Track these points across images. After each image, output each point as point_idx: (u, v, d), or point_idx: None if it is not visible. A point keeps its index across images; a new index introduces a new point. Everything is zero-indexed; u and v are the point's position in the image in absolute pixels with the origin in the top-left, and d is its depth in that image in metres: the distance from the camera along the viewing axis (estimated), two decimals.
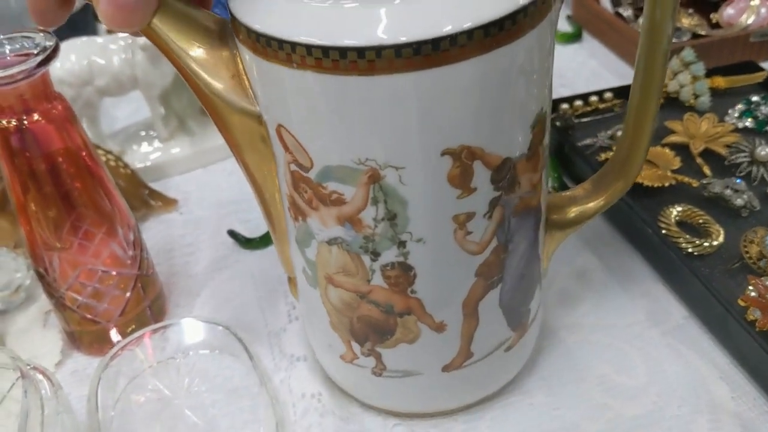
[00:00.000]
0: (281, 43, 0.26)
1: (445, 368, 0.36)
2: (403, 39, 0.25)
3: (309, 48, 0.26)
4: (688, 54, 0.60)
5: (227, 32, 0.30)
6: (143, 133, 0.63)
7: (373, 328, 0.35)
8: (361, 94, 0.27)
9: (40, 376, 0.37)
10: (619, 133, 0.55)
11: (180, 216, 0.57)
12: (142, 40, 0.54)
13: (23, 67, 0.36)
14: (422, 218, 0.30)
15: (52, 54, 0.37)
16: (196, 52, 0.30)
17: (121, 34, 0.57)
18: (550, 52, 0.30)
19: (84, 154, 0.41)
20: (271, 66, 0.27)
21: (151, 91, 0.58)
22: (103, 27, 0.81)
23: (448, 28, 0.25)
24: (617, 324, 0.44)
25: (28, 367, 0.36)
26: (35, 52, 0.37)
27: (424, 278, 0.32)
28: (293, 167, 0.30)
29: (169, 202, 0.57)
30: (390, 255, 0.31)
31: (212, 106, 0.31)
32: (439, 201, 0.30)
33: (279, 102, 0.29)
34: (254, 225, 0.55)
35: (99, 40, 0.56)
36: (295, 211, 0.33)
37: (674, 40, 0.66)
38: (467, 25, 0.25)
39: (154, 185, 0.59)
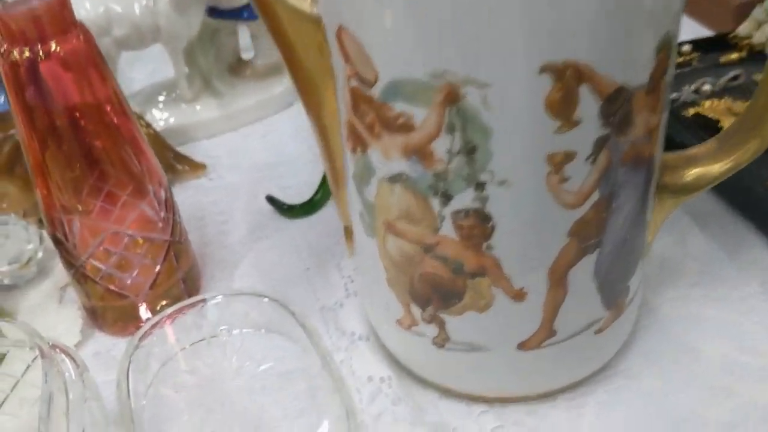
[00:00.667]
0: None
1: (521, 346, 0.31)
2: None
3: None
4: None
5: None
6: (164, 94, 0.56)
7: (437, 290, 0.29)
8: None
9: (62, 356, 0.31)
10: (705, 87, 0.49)
11: (209, 182, 0.51)
12: None
13: None
14: (508, 154, 0.24)
15: None
16: None
17: None
18: None
19: (112, 102, 0.35)
20: None
21: (176, 43, 0.52)
22: None
23: None
24: (729, 297, 0.38)
25: (49, 346, 0.29)
26: None
27: (504, 232, 0.27)
28: (354, 83, 0.25)
29: (197, 167, 0.51)
30: (464, 199, 0.26)
31: (264, 7, 0.26)
32: (532, 133, 0.24)
33: None
34: (294, 192, 0.48)
35: None
36: (354, 141, 0.27)
37: None
38: None
39: (180, 149, 0.53)
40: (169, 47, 0.52)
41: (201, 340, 0.38)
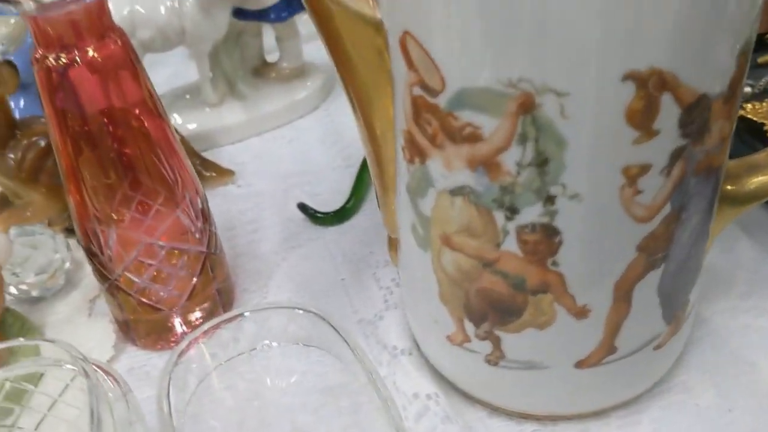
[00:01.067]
0: None
1: (579, 364, 0.29)
2: None
3: None
4: None
5: None
6: (188, 97, 0.55)
7: (494, 306, 0.28)
8: None
9: (102, 375, 0.30)
10: (746, 89, 0.48)
11: (237, 189, 0.49)
12: None
13: None
14: (583, 166, 0.23)
15: None
16: None
17: None
18: None
19: (147, 106, 0.34)
20: None
21: (201, 46, 0.50)
22: None
23: None
24: None
25: (91, 365, 0.28)
26: None
27: (572, 247, 0.25)
28: (416, 91, 0.24)
29: (224, 173, 0.49)
30: (532, 213, 0.25)
31: (319, 10, 0.25)
32: (609, 145, 0.23)
33: (408, 2, 0.22)
34: (324, 199, 0.47)
35: None
36: (412, 151, 0.26)
37: None
38: None
39: (205, 155, 0.52)
40: (194, 50, 0.51)
41: (239, 355, 0.36)
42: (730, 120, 0.26)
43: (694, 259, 0.30)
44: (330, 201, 0.47)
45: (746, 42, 0.24)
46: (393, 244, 0.33)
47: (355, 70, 0.27)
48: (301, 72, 0.56)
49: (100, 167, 0.33)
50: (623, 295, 0.27)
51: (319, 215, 0.45)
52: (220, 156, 0.52)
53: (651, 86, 0.22)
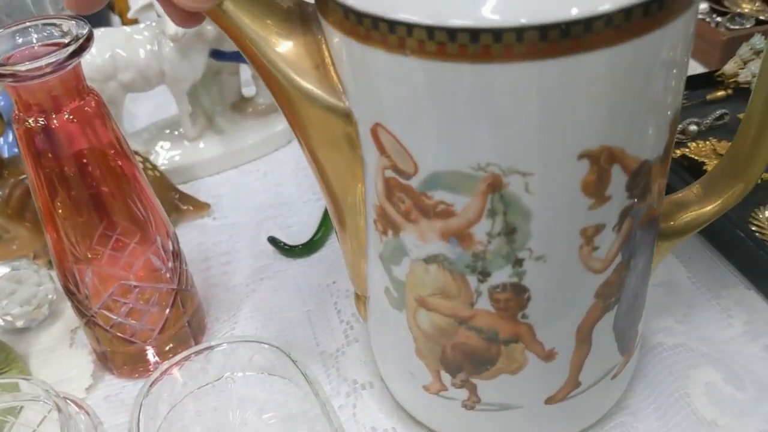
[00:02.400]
0: (390, 24, 0.22)
1: (549, 400, 0.32)
2: (522, 21, 0.21)
3: (430, 30, 0.21)
4: (758, 41, 0.55)
5: (309, 14, 0.26)
6: (168, 132, 0.58)
7: (469, 358, 0.30)
8: (483, 85, 0.22)
9: (76, 408, 0.33)
10: (692, 128, 0.51)
11: (213, 221, 0.52)
12: (171, 29, 0.49)
13: (53, 58, 0.31)
14: (546, 232, 0.26)
15: (85, 43, 0.32)
16: (275, 38, 0.25)
17: (144, 24, 0.52)
18: (692, 39, 0.26)
19: (117, 152, 0.36)
20: (370, 51, 0.23)
21: (180, 86, 0.53)
22: (117, 19, 0.77)
23: (576, 12, 0.20)
24: (713, 338, 0.40)
25: (65, 400, 0.31)
26: (66, 41, 0.32)
27: (539, 301, 0.28)
28: (389, 173, 0.26)
29: (201, 206, 0.52)
30: (502, 275, 0.27)
31: (290, 102, 0.26)
32: (569, 212, 0.26)
33: (378, 96, 0.24)
34: (295, 231, 0.50)
35: (125, 29, 0.52)
36: (385, 225, 0.28)
37: (737, 27, 0.62)
38: (604, 8, 0.21)
39: (183, 187, 0.54)
40: (173, 89, 0.54)
41: (207, 384, 0.39)
42: (665, 176, 0.29)
43: (641, 296, 0.33)
44: (301, 233, 0.50)
45: (676, 111, 0.27)
46: (361, 299, 0.35)
47: (324, 154, 0.28)
48: (276, 107, 0.58)
49: (74, 208, 0.36)
50: (584, 336, 0.30)
51: (288, 248, 0.48)
52: (199, 188, 0.55)
53: (602, 161, 0.24)
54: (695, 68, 0.63)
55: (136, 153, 0.50)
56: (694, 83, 0.56)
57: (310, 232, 0.49)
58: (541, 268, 0.27)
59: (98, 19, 0.75)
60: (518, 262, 0.27)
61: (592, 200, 0.25)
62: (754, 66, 0.55)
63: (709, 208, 0.34)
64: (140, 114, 0.64)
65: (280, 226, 0.51)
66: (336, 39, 0.24)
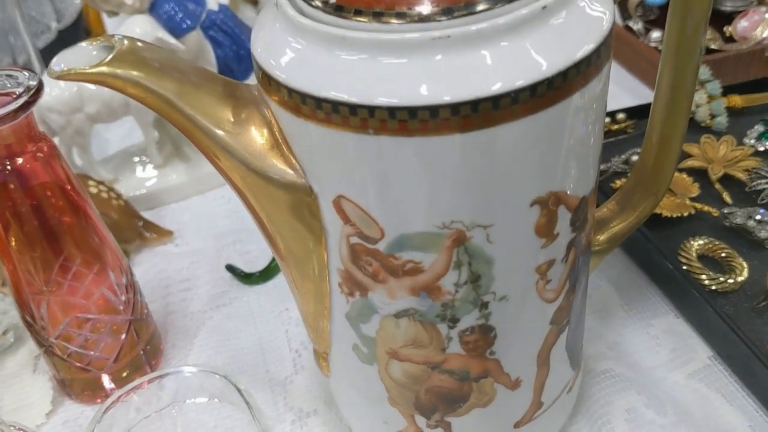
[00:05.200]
0: (352, 107, 0.23)
1: (517, 424, 0.34)
2: (446, 99, 0.23)
3: (391, 110, 0.23)
4: (703, 72, 0.57)
5: (255, 96, 0.27)
6: (137, 159, 0.60)
7: (443, 399, 0.32)
8: (436, 156, 0.24)
9: None
10: (635, 158, 0.53)
11: (176, 248, 0.54)
12: None
13: (5, 110, 0.33)
14: (507, 275, 0.28)
15: (36, 94, 0.34)
16: (228, 126, 0.27)
17: None
18: (605, 91, 0.28)
19: (69, 190, 0.38)
20: (330, 132, 0.24)
21: (145, 117, 0.56)
22: None
23: (498, 86, 0.23)
24: (640, 364, 0.42)
25: (18, 430, 0.33)
26: (18, 92, 0.34)
27: (504, 337, 0.30)
28: (354, 240, 0.27)
29: (164, 233, 0.54)
30: (470, 319, 0.29)
31: (247, 184, 0.28)
32: (525, 254, 0.28)
33: (339, 171, 0.26)
34: (254, 257, 0.52)
35: None
36: (351, 287, 0.29)
37: None
38: (520, 83, 0.23)
39: (149, 213, 0.57)
40: (139, 120, 0.56)
41: (160, 410, 0.42)
42: (595, 204, 0.32)
43: (583, 312, 0.35)
44: (259, 258, 0.52)
45: (599, 148, 0.30)
46: (321, 356, 0.36)
47: (283, 227, 0.29)
48: None
49: (28, 243, 0.38)
50: (544, 360, 0.33)
51: (244, 275, 0.50)
52: (164, 215, 0.57)
53: (550, 204, 0.27)
54: (647, 96, 0.65)
55: (101, 183, 0.53)
56: (641, 112, 0.58)
57: (268, 258, 0.51)
58: (504, 307, 0.29)
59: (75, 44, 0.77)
60: (484, 305, 0.29)
61: (544, 240, 0.28)
62: (698, 96, 0.57)
63: (624, 223, 0.37)
64: (112, 139, 0.66)
65: (239, 252, 0.53)
66: (285, 118, 0.26)
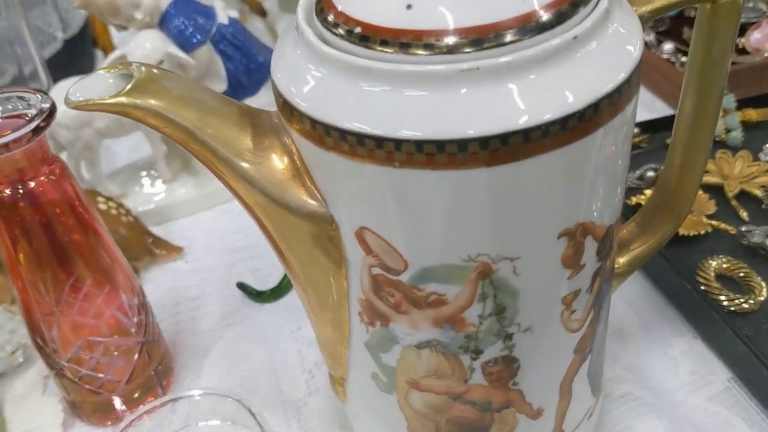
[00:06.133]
0: (378, 140, 0.23)
1: None
2: (471, 132, 0.23)
3: (419, 144, 0.23)
4: None
5: (276, 124, 0.27)
6: (145, 173, 0.60)
7: (464, 429, 0.31)
8: (465, 190, 0.24)
9: None
10: (650, 174, 0.53)
11: (186, 264, 0.54)
12: None
13: (17, 134, 0.33)
14: (532, 306, 0.28)
15: (49, 117, 0.34)
16: (249, 155, 0.26)
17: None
18: (632, 121, 0.28)
19: (78, 207, 0.38)
20: (354, 164, 0.24)
21: (154, 132, 0.55)
22: (100, 54, 0.78)
23: (525, 120, 0.22)
24: (659, 387, 0.41)
25: None
26: (30, 114, 0.34)
27: (527, 368, 0.30)
28: (376, 271, 0.27)
29: (173, 250, 0.54)
30: (494, 351, 0.28)
31: (268, 214, 0.27)
32: (551, 285, 0.28)
33: (362, 203, 0.25)
34: (265, 274, 0.52)
35: None
36: (372, 316, 0.29)
37: None
38: (548, 116, 0.23)
39: (158, 229, 0.56)
40: (148, 134, 0.56)
41: None
42: (620, 230, 0.31)
43: (604, 338, 0.35)
44: (270, 276, 0.51)
45: (626, 177, 0.29)
46: (338, 381, 0.35)
47: (302, 256, 0.28)
48: None
49: (38, 264, 0.37)
50: (566, 390, 0.32)
51: (256, 293, 0.50)
52: (173, 230, 0.57)
53: (578, 235, 0.26)
54: (661, 109, 0.64)
55: (110, 199, 0.52)
56: (655, 127, 0.57)
57: (279, 275, 0.51)
58: (529, 338, 0.28)
59: (82, 54, 0.77)
60: (508, 337, 0.28)
61: (571, 270, 0.27)
62: None
63: (645, 246, 0.37)
64: (120, 152, 0.66)
65: (250, 269, 0.52)
66: (307, 148, 0.25)
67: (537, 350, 0.29)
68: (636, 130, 0.57)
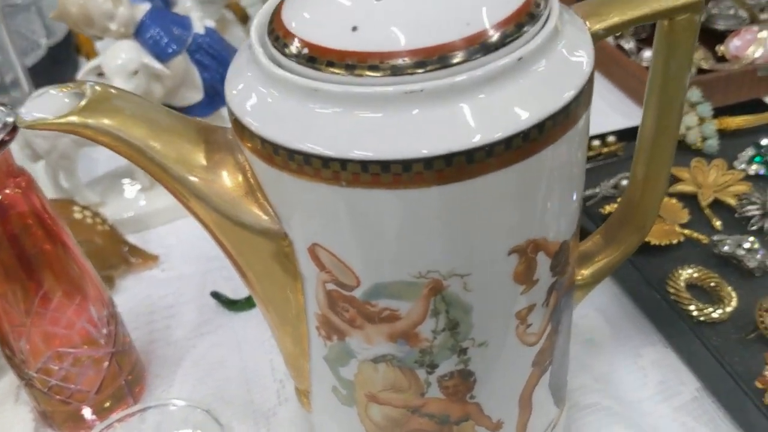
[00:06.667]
0: (325, 160, 0.23)
1: None
2: (424, 152, 0.23)
3: (364, 164, 0.23)
4: (694, 94, 0.57)
5: (229, 141, 0.27)
6: (127, 181, 0.60)
7: None
8: (417, 206, 0.24)
9: None
10: (624, 182, 0.53)
11: (161, 273, 0.54)
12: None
13: None
14: (486, 321, 0.28)
15: (12, 132, 0.34)
16: (201, 173, 0.26)
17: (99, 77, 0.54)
18: (586, 137, 0.28)
19: (46, 219, 0.38)
20: (304, 183, 0.24)
21: None
22: (84, 61, 0.79)
23: (478, 139, 0.23)
24: (627, 397, 0.41)
25: None
26: None
27: (484, 381, 0.30)
28: (330, 286, 0.27)
29: (149, 259, 0.54)
30: (449, 365, 0.29)
31: (223, 231, 0.27)
32: (504, 300, 0.28)
33: (313, 220, 0.25)
34: (239, 283, 0.51)
35: None
36: (328, 331, 0.29)
37: None
38: (497, 135, 0.23)
39: (135, 237, 0.56)
40: None
41: None
42: (578, 246, 0.32)
43: (567, 351, 0.35)
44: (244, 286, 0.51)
45: (581, 192, 0.30)
46: (303, 393, 0.36)
47: (259, 273, 0.29)
48: None
49: (7, 276, 0.37)
50: (526, 402, 0.32)
51: (230, 302, 0.50)
52: (150, 238, 0.57)
53: (529, 252, 0.27)
54: (639, 116, 0.64)
55: (86, 208, 0.52)
56: (632, 134, 0.57)
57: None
58: (484, 353, 0.29)
59: (66, 61, 0.77)
60: (463, 351, 0.28)
61: (524, 286, 0.27)
62: (689, 119, 0.56)
63: (610, 258, 0.37)
64: (100, 159, 0.66)
65: (225, 278, 0.52)
66: (259, 166, 0.25)
67: (493, 364, 0.29)
68: (612, 138, 0.57)
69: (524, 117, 0.23)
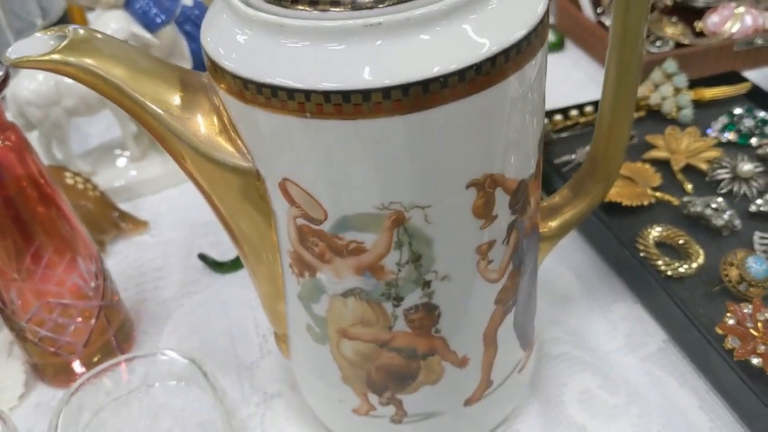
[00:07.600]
0: (290, 92, 0.25)
1: (467, 402, 0.35)
2: (387, 82, 0.24)
3: (327, 94, 0.24)
4: (670, 65, 0.59)
5: (204, 83, 0.29)
6: (117, 152, 0.61)
7: (393, 376, 0.33)
8: (369, 139, 0.25)
9: None
10: None
11: (151, 238, 0.55)
12: None
13: None
14: (447, 255, 0.29)
15: (2, 84, 0.35)
16: (177, 111, 0.28)
17: None
18: (543, 76, 0.29)
19: (41, 182, 0.40)
20: (272, 116, 0.26)
21: (122, 111, 0.56)
22: None
23: (437, 69, 0.24)
24: (597, 349, 0.43)
25: None
26: None
27: (448, 316, 0.31)
28: (300, 221, 0.29)
29: (139, 224, 0.55)
30: (414, 297, 0.30)
31: (199, 168, 0.29)
32: (464, 234, 0.29)
33: (282, 154, 0.27)
34: (226, 248, 0.53)
35: None
36: (300, 267, 0.31)
37: (656, 50, 0.65)
38: (453, 67, 0.24)
39: (127, 205, 0.58)
40: (116, 113, 0.57)
41: (128, 393, 0.43)
42: (539, 189, 0.33)
43: (533, 294, 0.37)
44: (231, 249, 0.53)
45: (543, 133, 0.31)
46: (281, 338, 0.37)
47: (234, 211, 0.30)
48: None
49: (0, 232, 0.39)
50: (491, 340, 0.34)
51: (214, 264, 0.51)
52: (141, 206, 0.58)
53: (487, 186, 0.28)
54: None
55: (77, 174, 0.54)
56: None
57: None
58: (447, 286, 0.30)
59: None
60: (426, 284, 0.30)
61: (483, 221, 0.29)
62: (665, 89, 0.58)
63: (577, 210, 0.38)
64: (93, 133, 0.67)
65: (212, 243, 0.54)
66: (232, 105, 0.27)
67: (456, 298, 0.31)
68: (590, 108, 0.58)
69: (478, 50, 0.25)
